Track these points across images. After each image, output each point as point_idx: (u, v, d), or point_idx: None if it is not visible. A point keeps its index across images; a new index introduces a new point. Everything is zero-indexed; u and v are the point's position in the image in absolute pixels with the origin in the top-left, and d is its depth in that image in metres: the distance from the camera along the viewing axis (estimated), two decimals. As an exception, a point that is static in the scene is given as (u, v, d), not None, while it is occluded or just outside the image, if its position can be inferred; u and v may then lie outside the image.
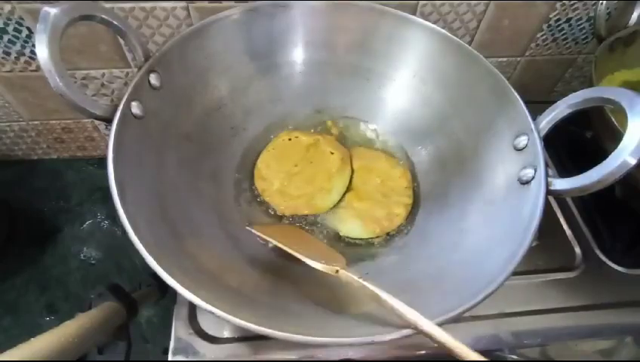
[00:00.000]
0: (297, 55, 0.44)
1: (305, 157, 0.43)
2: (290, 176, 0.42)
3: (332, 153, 0.43)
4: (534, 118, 0.34)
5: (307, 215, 0.41)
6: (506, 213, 0.33)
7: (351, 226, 0.40)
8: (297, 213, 0.40)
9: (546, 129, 0.33)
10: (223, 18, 0.39)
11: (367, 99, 0.46)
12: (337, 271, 0.31)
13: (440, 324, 0.25)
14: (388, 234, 0.40)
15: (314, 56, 0.44)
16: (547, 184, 0.30)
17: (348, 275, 0.30)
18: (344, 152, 0.44)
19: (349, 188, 0.42)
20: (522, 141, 0.34)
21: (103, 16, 0.31)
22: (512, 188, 0.33)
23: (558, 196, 0.31)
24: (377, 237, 0.40)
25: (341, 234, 0.40)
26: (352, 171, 0.43)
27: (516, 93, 0.35)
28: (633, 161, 0.26)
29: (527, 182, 0.32)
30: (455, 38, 0.40)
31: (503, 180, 0.35)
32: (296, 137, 0.44)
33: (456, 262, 0.33)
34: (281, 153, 0.43)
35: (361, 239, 0.39)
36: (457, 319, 0.25)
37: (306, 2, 0.41)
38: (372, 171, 0.43)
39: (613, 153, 0.26)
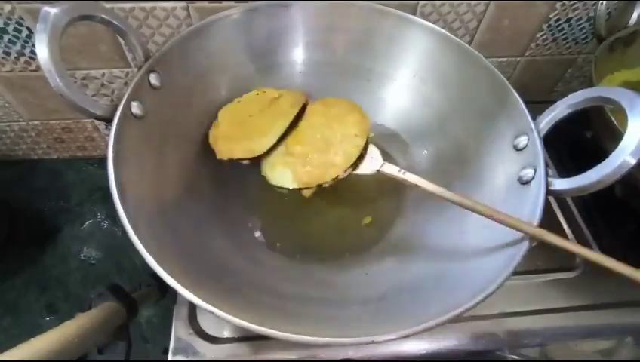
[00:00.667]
0: (297, 55, 0.44)
1: (263, 110, 0.39)
2: (239, 125, 0.38)
3: (288, 104, 0.40)
4: (534, 118, 0.34)
5: (248, 162, 0.37)
6: (506, 213, 0.33)
7: (279, 174, 0.36)
8: (232, 156, 0.37)
9: (546, 129, 0.33)
10: (222, 18, 0.39)
11: (368, 100, 0.46)
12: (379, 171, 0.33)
13: (440, 324, 0.25)
14: (320, 186, 0.36)
15: (314, 56, 0.44)
16: (547, 184, 0.30)
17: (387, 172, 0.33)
18: (297, 99, 0.40)
19: (292, 132, 0.38)
20: (522, 141, 0.34)
21: (103, 15, 0.31)
22: (512, 189, 0.33)
23: (558, 196, 0.31)
24: (307, 188, 0.36)
25: (271, 182, 0.36)
26: (301, 115, 0.39)
27: (516, 93, 0.35)
28: (633, 161, 0.26)
29: (527, 183, 0.32)
30: (455, 38, 0.40)
31: (503, 180, 0.35)
32: (264, 92, 0.41)
33: (457, 263, 0.33)
34: (243, 105, 0.40)
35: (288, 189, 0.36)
36: (457, 319, 0.25)
37: (305, 2, 0.41)
38: (324, 115, 0.38)
39: (613, 153, 0.26)
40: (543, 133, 0.33)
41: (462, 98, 0.41)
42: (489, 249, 0.32)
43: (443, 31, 0.40)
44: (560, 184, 0.30)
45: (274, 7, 0.41)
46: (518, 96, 0.35)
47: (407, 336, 0.24)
